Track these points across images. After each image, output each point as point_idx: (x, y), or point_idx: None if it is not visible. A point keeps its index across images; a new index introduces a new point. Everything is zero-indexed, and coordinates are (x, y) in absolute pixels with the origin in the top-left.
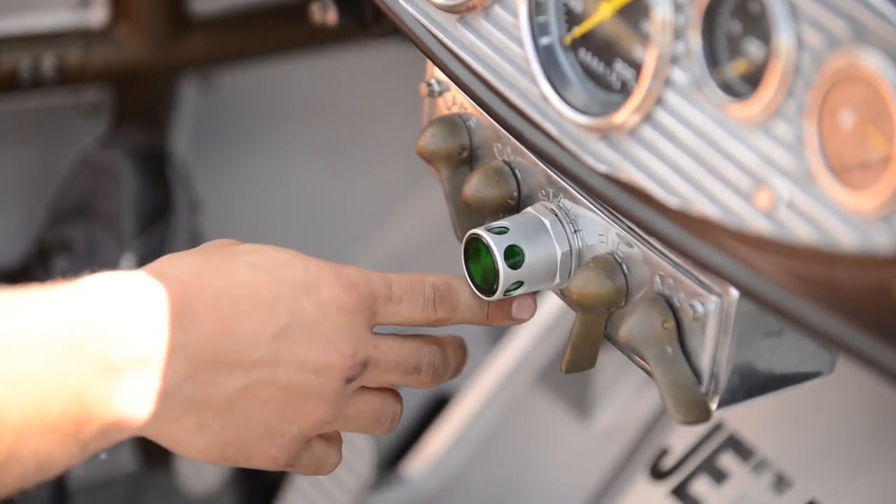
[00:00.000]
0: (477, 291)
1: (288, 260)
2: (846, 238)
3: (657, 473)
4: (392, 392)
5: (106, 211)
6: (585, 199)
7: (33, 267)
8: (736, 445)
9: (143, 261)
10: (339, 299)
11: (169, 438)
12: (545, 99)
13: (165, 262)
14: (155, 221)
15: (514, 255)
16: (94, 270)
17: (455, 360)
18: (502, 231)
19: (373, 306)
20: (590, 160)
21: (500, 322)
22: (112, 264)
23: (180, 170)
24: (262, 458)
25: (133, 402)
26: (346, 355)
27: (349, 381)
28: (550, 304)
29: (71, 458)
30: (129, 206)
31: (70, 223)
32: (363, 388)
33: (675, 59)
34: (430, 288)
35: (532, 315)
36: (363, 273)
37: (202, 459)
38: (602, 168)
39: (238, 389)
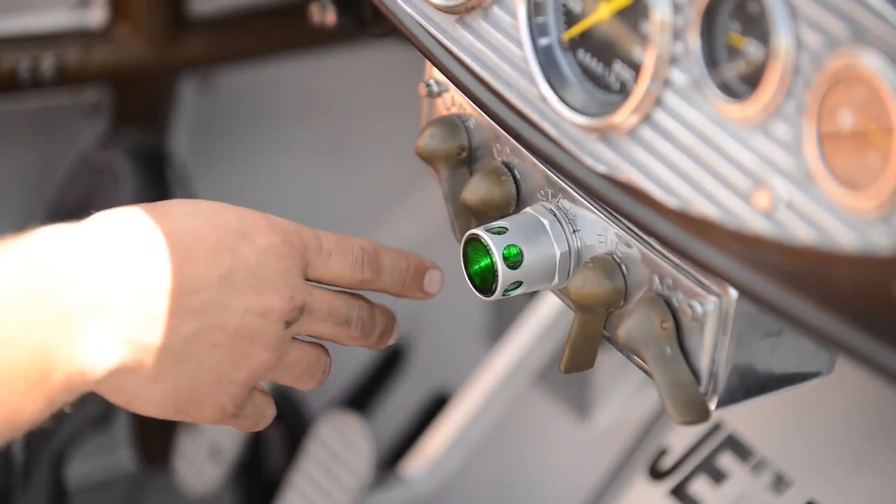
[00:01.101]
0: (476, 291)
1: (221, 208)
2: (845, 238)
3: (656, 473)
4: (322, 346)
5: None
6: (584, 199)
7: None
8: (735, 445)
9: None
10: (275, 245)
11: (126, 392)
12: (544, 99)
13: (109, 215)
14: None
15: (512, 256)
16: None
17: (382, 322)
18: (501, 231)
19: (304, 255)
20: (589, 161)
21: (413, 293)
22: None
23: (179, 170)
24: (211, 409)
25: (93, 350)
26: (285, 298)
27: (288, 324)
28: (549, 305)
29: (38, 412)
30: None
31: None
32: (298, 339)
33: (674, 60)
34: (357, 248)
35: (439, 290)
36: (293, 224)
37: (155, 413)
38: (601, 168)
39: (192, 334)
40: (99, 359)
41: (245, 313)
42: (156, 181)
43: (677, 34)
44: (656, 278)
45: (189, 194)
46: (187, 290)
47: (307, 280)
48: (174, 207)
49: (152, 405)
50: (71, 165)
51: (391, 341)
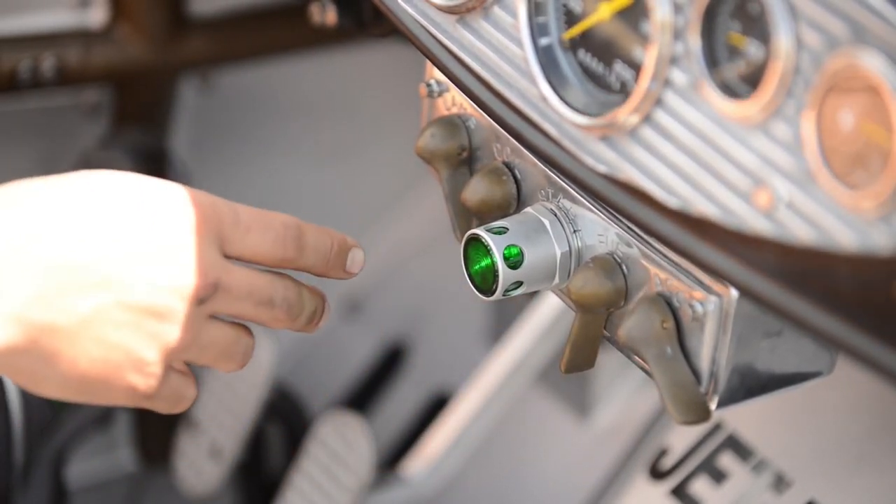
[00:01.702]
0: (476, 291)
1: (129, 179)
2: (846, 238)
3: (657, 473)
4: (244, 327)
5: None
6: (585, 199)
7: None
8: (735, 445)
9: None
10: (188, 219)
11: (25, 373)
12: (544, 99)
13: (3, 188)
14: None
15: (513, 255)
16: None
17: (312, 303)
18: (502, 231)
19: (220, 229)
20: (589, 161)
21: (336, 273)
22: None
23: (180, 170)
24: (121, 391)
25: None
26: (197, 274)
27: (201, 301)
28: (550, 305)
29: None
30: None
31: None
32: (216, 318)
33: (674, 60)
34: (279, 224)
35: (360, 270)
36: (209, 196)
37: (57, 395)
38: (601, 168)
39: (91, 312)
40: None
41: (152, 289)
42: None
43: (678, 34)
44: (657, 278)
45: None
46: (84, 264)
47: (227, 258)
48: (79, 178)
49: (53, 387)
50: (71, 166)
51: (321, 324)
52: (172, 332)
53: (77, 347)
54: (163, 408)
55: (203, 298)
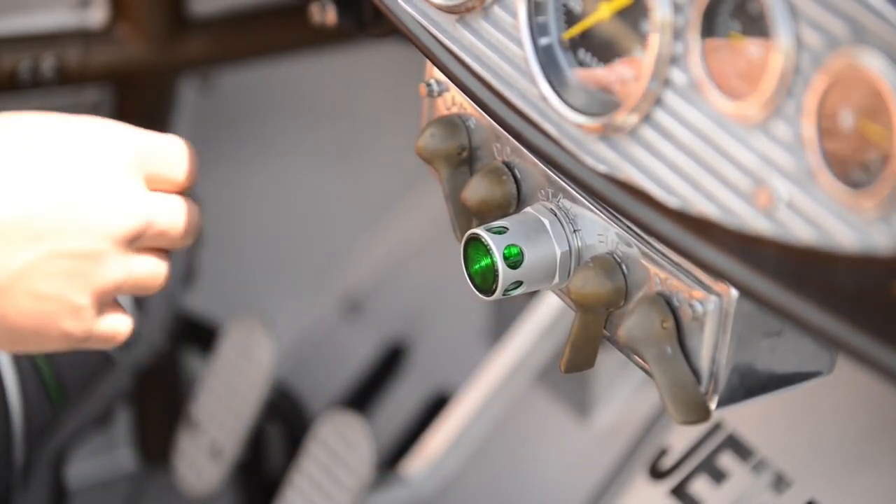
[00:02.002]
0: (476, 291)
1: (48, 123)
2: (846, 238)
3: (656, 473)
4: (163, 251)
5: None
6: (585, 199)
7: None
8: (735, 445)
9: None
10: (109, 159)
11: None
12: (544, 99)
13: None
14: None
15: (513, 255)
16: None
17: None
18: (502, 231)
19: (141, 163)
20: (589, 160)
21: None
22: None
23: None
24: (56, 338)
25: None
26: (128, 215)
27: (133, 241)
28: (550, 304)
29: None
30: None
31: None
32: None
33: (674, 60)
34: (184, 144)
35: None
36: (125, 129)
37: None
38: (601, 168)
39: (22, 267)
40: None
41: (84, 235)
42: None
43: (678, 34)
44: (657, 278)
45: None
46: (12, 219)
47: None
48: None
49: None
50: None
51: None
52: (107, 275)
53: (7, 302)
54: (97, 346)
55: (135, 237)
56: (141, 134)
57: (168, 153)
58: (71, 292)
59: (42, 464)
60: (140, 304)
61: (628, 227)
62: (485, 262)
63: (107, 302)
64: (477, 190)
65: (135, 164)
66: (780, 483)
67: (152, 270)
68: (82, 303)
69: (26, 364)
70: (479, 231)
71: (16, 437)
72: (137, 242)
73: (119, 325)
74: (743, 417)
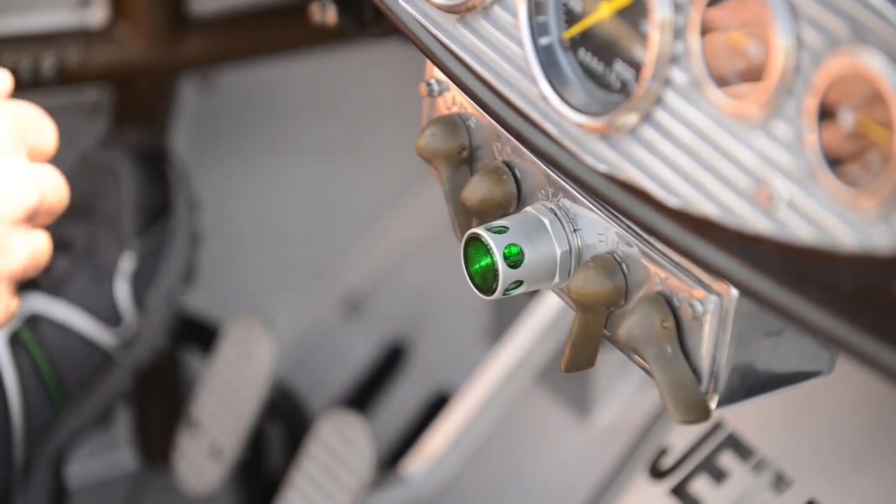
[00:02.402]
0: (476, 291)
1: None
2: (846, 237)
3: (657, 473)
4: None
5: (106, 210)
6: (585, 198)
7: None
8: (735, 445)
9: (143, 260)
10: None
11: None
12: (545, 99)
13: None
14: (155, 221)
15: (513, 255)
16: (94, 270)
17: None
18: (502, 230)
19: (19, 136)
20: (589, 160)
21: None
22: (112, 263)
23: (180, 169)
24: None
25: None
26: (22, 197)
27: (31, 219)
28: (550, 304)
29: None
30: (129, 205)
31: (71, 222)
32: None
33: (674, 59)
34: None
35: None
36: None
37: None
38: (602, 168)
39: None
40: None
41: None
42: (156, 180)
43: (678, 33)
44: (657, 277)
45: (189, 194)
46: None
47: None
48: None
49: None
50: (71, 165)
51: None
52: (14, 260)
53: None
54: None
55: (33, 215)
56: (9, 106)
57: (39, 121)
58: None
59: (42, 463)
60: (140, 304)
61: (628, 226)
62: (485, 261)
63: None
64: (477, 189)
65: (14, 138)
66: (780, 483)
67: (45, 247)
68: None
69: (26, 364)
70: (480, 230)
71: (16, 437)
72: (34, 220)
73: (11, 303)
74: (743, 417)
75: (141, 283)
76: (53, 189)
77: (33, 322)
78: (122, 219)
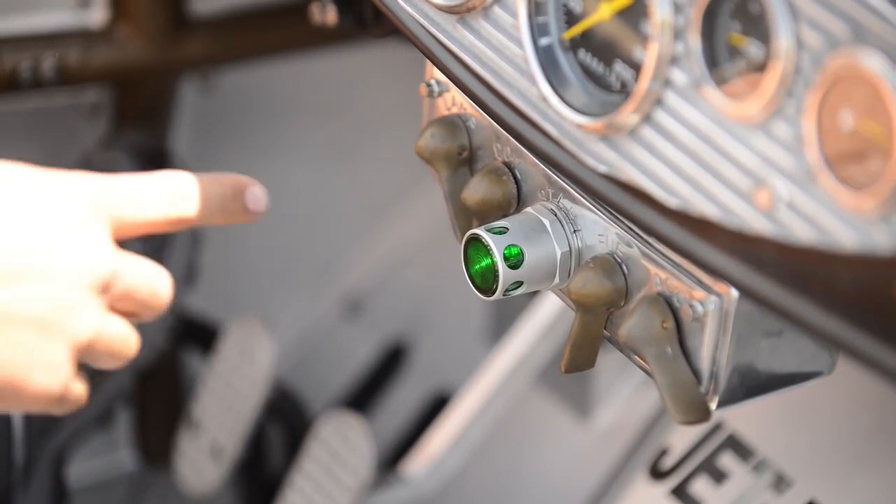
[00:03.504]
0: (477, 291)
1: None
2: (846, 238)
3: (657, 473)
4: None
5: None
6: (585, 199)
7: None
8: (736, 445)
9: None
10: (70, 206)
11: None
12: (545, 99)
13: None
14: None
15: (513, 255)
16: None
17: None
18: (502, 231)
19: (107, 210)
20: (589, 161)
21: (238, 217)
22: None
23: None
24: (35, 392)
25: None
26: (92, 260)
27: (101, 291)
28: (550, 305)
29: None
30: None
31: None
32: (110, 312)
33: (674, 60)
34: (165, 184)
35: (266, 206)
36: (86, 177)
37: None
38: (602, 168)
39: None
40: None
41: (47, 283)
42: None
43: (678, 34)
44: (657, 278)
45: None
46: None
47: (120, 238)
48: None
49: None
50: (72, 166)
51: None
52: (78, 324)
53: None
54: (71, 408)
55: (103, 286)
56: (105, 180)
57: (134, 190)
58: (44, 342)
59: (42, 464)
60: None
61: (629, 227)
62: (485, 262)
63: (80, 364)
64: (477, 190)
65: (95, 208)
66: (780, 483)
67: (124, 334)
68: (57, 354)
69: None
70: (480, 231)
71: (16, 437)
72: (106, 295)
73: (83, 392)
74: (743, 418)
75: None
76: (135, 272)
77: None
78: None
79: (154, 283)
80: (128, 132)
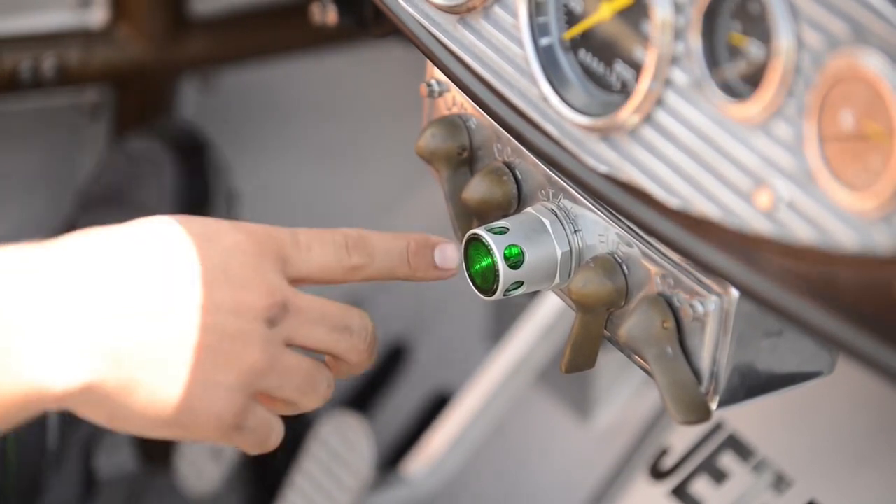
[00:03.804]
0: (477, 291)
1: (181, 218)
2: (846, 238)
3: (657, 473)
4: (322, 362)
5: (144, 199)
6: (585, 199)
7: None
8: (736, 445)
9: None
10: (244, 245)
11: (103, 407)
12: (545, 99)
13: (67, 236)
14: (194, 212)
15: (513, 255)
16: None
17: (377, 341)
18: (502, 231)
19: (280, 252)
20: (590, 161)
21: (424, 272)
22: None
23: (218, 161)
24: (207, 418)
25: (44, 362)
26: (262, 294)
27: (272, 323)
28: (550, 304)
29: None
30: (169, 196)
31: (104, 210)
32: (293, 348)
33: (675, 60)
34: (340, 235)
35: (457, 264)
36: (266, 226)
37: (144, 428)
38: (602, 168)
39: (159, 338)
40: (51, 371)
41: (217, 311)
42: (196, 172)
43: (678, 34)
44: (657, 278)
45: (226, 184)
46: (144, 293)
47: (294, 284)
48: (133, 224)
49: (140, 419)
50: (105, 152)
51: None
52: (247, 355)
53: (153, 374)
54: (251, 443)
55: (272, 319)
56: (285, 230)
57: (313, 240)
58: (213, 370)
59: (74, 450)
60: None
61: (629, 227)
62: (485, 262)
63: (257, 393)
64: (477, 190)
65: (275, 253)
66: (780, 483)
67: (306, 371)
68: (226, 382)
69: None
70: (480, 231)
71: (50, 422)
72: (281, 330)
73: (273, 422)
74: (743, 418)
75: None
76: (315, 308)
77: None
78: (162, 208)
79: (337, 318)
80: (167, 122)
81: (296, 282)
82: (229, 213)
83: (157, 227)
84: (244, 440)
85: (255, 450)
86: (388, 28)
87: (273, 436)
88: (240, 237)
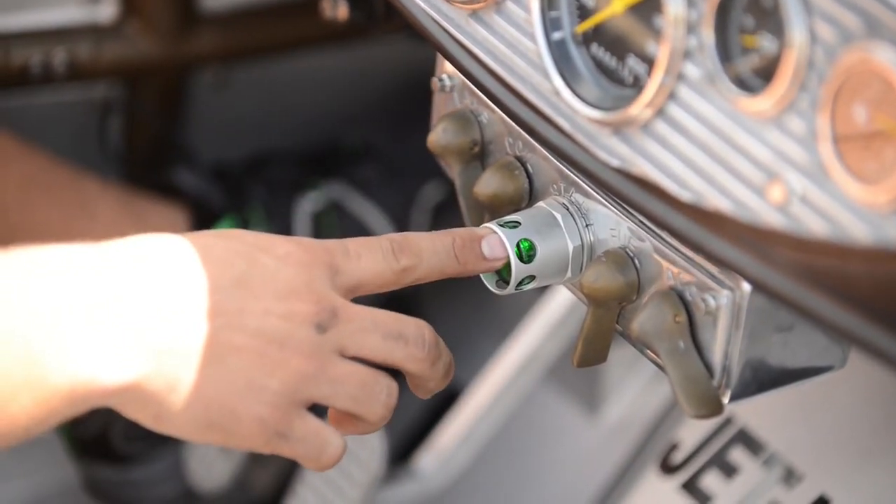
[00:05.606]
0: (488, 285)
1: (240, 230)
2: (859, 232)
3: (667, 468)
4: (383, 371)
5: None
6: (597, 193)
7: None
8: (746, 440)
9: None
10: (296, 255)
11: (149, 406)
12: (557, 94)
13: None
14: None
15: (525, 249)
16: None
17: (448, 353)
18: (514, 225)
19: (331, 262)
20: (602, 155)
21: (474, 265)
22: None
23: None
24: (250, 421)
25: (91, 358)
26: (312, 301)
27: (321, 328)
28: (561, 299)
29: (33, 420)
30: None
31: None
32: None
33: (687, 54)
34: (386, 241)
35: (506, 253)
36: (314, 239)
37: (187, 430)
38: (614, 163)
39: (207, 337)
40: (99, 367)
41: (265, 315)
42: None
43: (691, 28)
44: (669, 272)
45: None
46: (194, 292)
47: (349, 295)
48: (189, 234)
49: (180, 419)
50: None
51: (451, 377)
52: (293, 360)
53: (199, 373)
54: (301, 454)
55: (322, 325)
56: (334, 241)
57: (362, 249)
58: (258, 373)
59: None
60: None
61: (641, 221)
62: None
63: (307, 402)
64: (489, 184)
65: (324, 263)
66: (791, 477)
67: (361, 380)
68: (270, 386)
69: None
70: (492, 225)
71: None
72: (331, 337)
73: (328, 435)
74: (754, 412)
75: None
76: (366, 316)
77: (335, 208)
78: None
79: (390, 326)
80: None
81: (350, 292)
82: None
83: (210, 238)
84: (292, 449)
85: (309, 463)
86: (399, 23)
87: (329, 449)
88: (291, 248)
